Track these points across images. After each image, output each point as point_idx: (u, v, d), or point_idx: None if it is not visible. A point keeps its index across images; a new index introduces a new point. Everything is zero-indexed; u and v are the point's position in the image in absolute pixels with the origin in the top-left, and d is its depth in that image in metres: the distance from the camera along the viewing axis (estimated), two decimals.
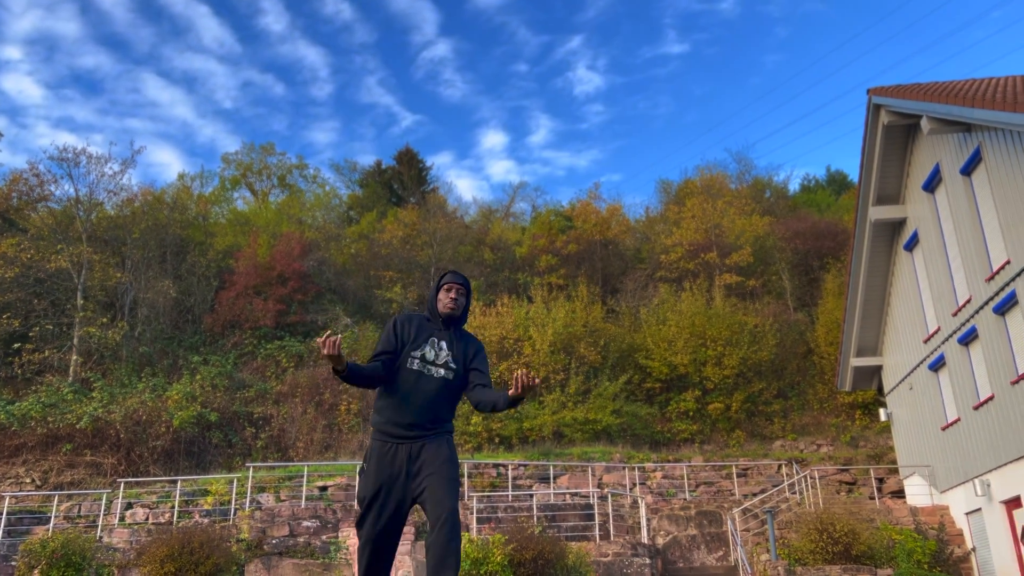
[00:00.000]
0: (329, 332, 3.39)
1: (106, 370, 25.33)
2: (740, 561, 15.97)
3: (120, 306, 27.88)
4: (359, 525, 3.74)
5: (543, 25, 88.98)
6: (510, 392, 3.50)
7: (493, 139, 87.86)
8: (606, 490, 19.14)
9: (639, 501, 18.39)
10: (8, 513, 17.72)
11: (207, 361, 26.30)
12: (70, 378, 24.33)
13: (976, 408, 15.85)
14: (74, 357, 25.11)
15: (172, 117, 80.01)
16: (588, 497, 19.30)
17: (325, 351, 3.32)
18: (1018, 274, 13.72)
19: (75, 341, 25.41)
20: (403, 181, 43.88)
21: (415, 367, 3.78)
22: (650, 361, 26.38)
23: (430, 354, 3.82)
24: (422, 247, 32.87)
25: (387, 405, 3.79)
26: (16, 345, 24.58)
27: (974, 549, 16.44)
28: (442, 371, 3.82)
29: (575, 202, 39.45)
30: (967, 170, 15.46)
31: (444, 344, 3.87)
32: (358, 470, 3.84)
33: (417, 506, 3.81)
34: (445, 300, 3.92)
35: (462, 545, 14.64)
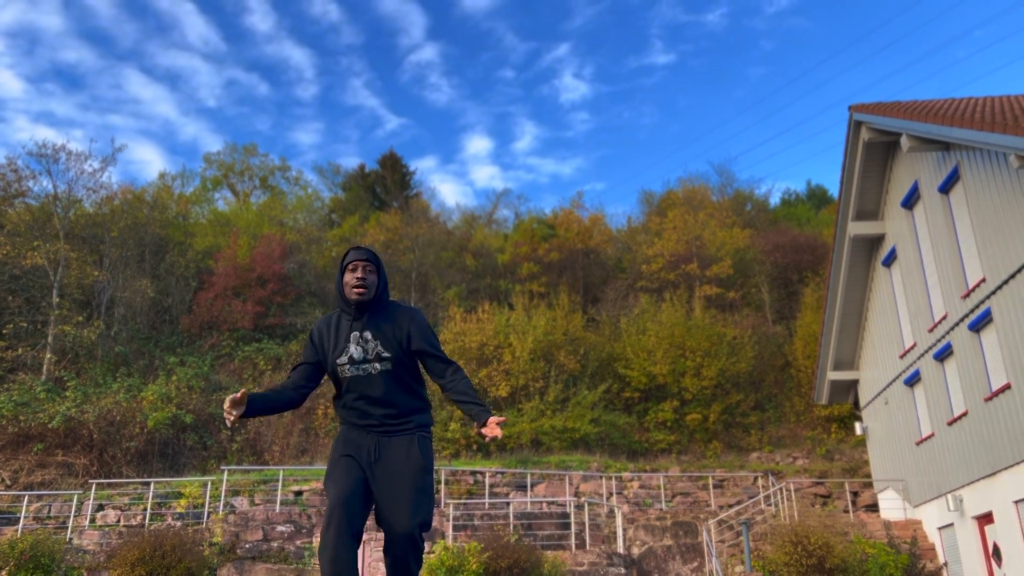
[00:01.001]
0: (230, 398, 3.06)
1: (80, 369, 25.02)
2: (715, 572, 16.00)
3: (96, 305, 27.56)
4: (326, 486, 3.25)
5: (530, 32, 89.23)
6: (476, 428, 3.16)
7: (478, 144, 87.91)
8: (583, 499, 19.14)
9: (615, 510, 18.41)
10: None
11: (183, 362, 26.05)
12: (43, 376, 24.00)
13: (950, 424, 16.01)
14: (48, 355, 24.78)
15: (154, 114, 79.39)
16: (565, 506, 19.29)
17: (230, 421, 3.05)
18: (993, 292, 13.90)
19: (50, 339, 25.08)
20: (386, 185, 43.78)
21: (348, 373, 3.33)
22: (629, 371, 26.44)
23: (357, 353, 3.31)
24: (404, 252, 32.78)
25: (342, 410, 3.42)
26: None
27: (946, 564, 16.59)
28: (377, 365, 3.31)
29: (558, 210, 39.53)
30: (945, 188, 15.66)
31: (368, 334, 3.33)
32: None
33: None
34: (351, 282, 3.33)
35: (437, 554, 14.58)
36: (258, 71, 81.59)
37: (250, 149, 43.41)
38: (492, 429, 3.02)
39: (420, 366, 3.51)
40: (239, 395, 3.08)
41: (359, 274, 3.33)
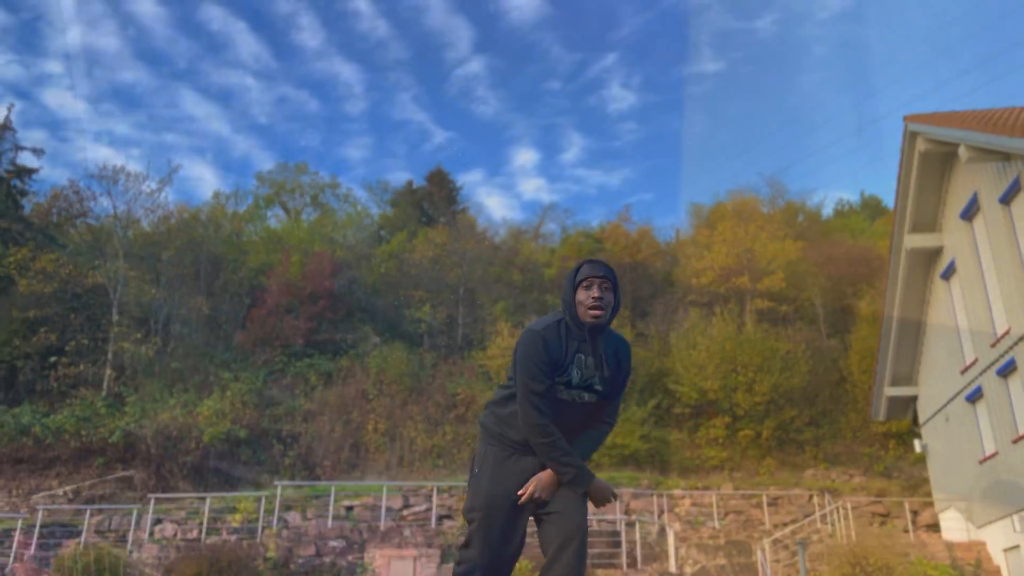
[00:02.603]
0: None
1: (139, 385, 25.66)
2: None
3: (154, 322, 28.27)
4: (477, 527, 3.03)
5: (577, 43, 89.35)
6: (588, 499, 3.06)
7: (525, 157, 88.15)
8: (633, 516, 18.95)
9: (667, 529, 18.18)
10: (41, 526, 17.93)
11: (238, 378, 26.54)
12: (104, 392, 24.69)
13: (1015, 442, 15.49)
14: (108, 372, 25.48)
15: (207, 132, 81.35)
16: (615, 523, 19.11)
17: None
18: None
19: (109, 356, 25.80)
20: (434, 201, 44.15)
21: (562, 396, 3.05)
22: (679, 386, 26.16)
23: (576, 377, 3.06)
24: (451, 267, 32.98)
25: (512, 429, 3.13)
26: (52, 359, 25.01)
27: None
28: (586, 395, 3.09)
29: (605, 224, 39.42)
30: (1006, 198, 15.21)
31: (591, 361, 3.07)
32: (469, 479, 3.24)
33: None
34: (587, 302, 3.03)
35: None
36: (308, 87, 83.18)
37: (301, 167, 44.20)
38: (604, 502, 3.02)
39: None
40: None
41: (596, 293, 3.03)
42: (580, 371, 3.06)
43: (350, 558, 16.09)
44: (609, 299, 3.06)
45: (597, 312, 3.00)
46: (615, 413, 3.25)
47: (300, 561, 15.84)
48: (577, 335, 3.07)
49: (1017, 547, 15.82)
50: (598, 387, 3.10)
